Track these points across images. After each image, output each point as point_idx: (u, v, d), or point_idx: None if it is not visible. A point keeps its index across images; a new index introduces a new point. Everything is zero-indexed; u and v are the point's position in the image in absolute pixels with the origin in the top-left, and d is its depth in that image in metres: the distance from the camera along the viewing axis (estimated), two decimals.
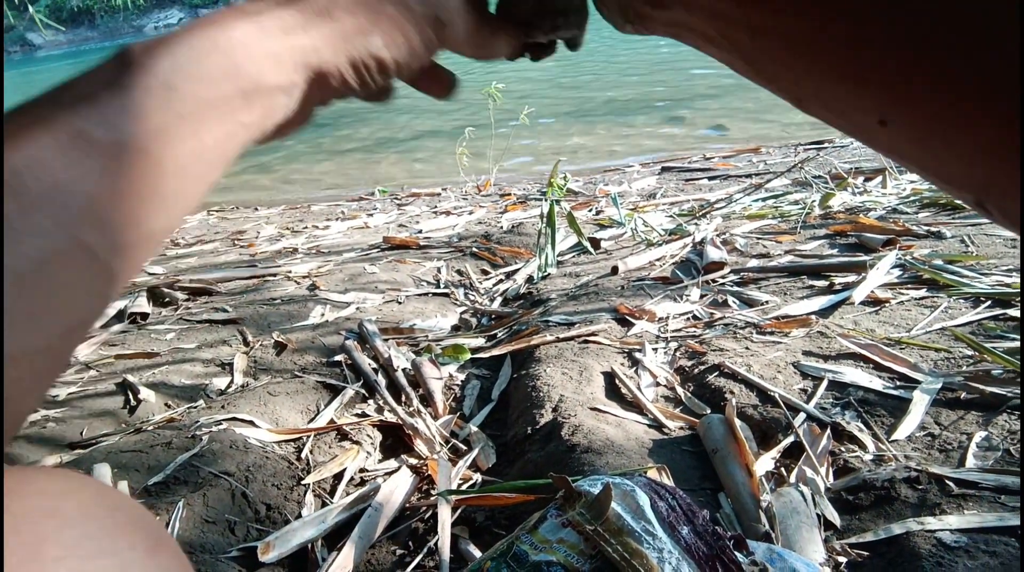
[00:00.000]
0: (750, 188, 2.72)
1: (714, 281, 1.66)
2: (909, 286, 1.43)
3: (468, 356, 1.47)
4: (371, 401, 1.31)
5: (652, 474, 0.90)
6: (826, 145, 3.69)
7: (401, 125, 6.45)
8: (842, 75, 0.28)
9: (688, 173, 3.53)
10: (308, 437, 1.16)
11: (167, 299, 1.95)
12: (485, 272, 2.19)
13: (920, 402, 1.01)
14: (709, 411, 1.11)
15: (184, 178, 0.30)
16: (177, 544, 0.29)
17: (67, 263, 0.26)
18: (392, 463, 1.13)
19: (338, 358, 1.45)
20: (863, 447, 0.96)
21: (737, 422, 1.00)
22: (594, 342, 1.39)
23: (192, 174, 0.31)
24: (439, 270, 2.15)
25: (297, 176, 5.40)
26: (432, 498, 1.00)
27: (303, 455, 1.12)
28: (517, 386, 1.31)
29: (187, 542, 0.89)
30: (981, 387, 1.01)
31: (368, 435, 1.19)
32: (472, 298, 1.93)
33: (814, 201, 2.25)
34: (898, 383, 1.08)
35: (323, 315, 1.73)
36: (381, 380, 1.35)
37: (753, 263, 1.74)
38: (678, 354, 1.32)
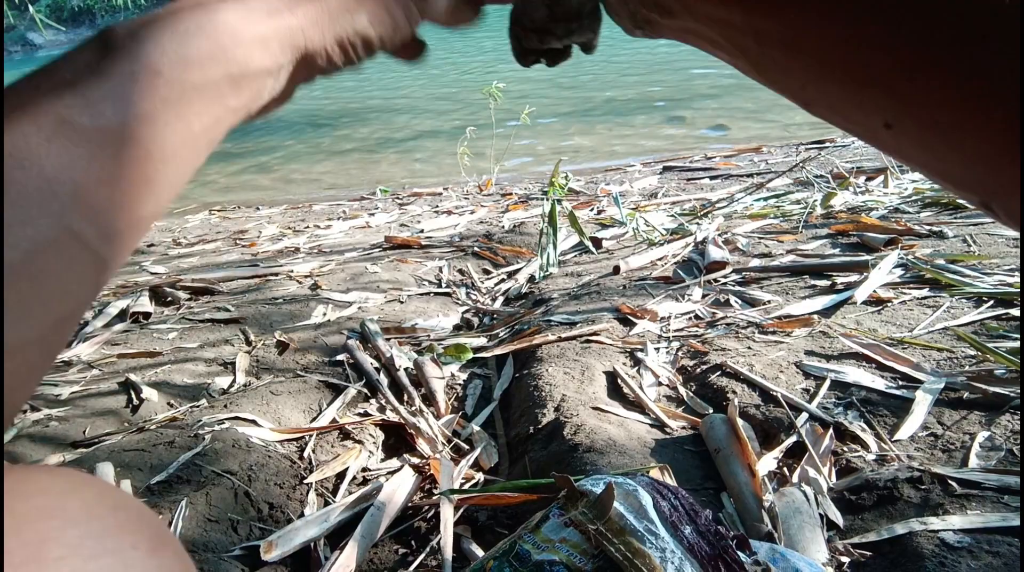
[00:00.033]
0: (752, 187, 2.71)
1: (716, 281, 1.66)
2: (911, 286, 1.43)
3: (470, 355, 1.46)
4: (373, 400, 1.31)
5: (654, 474, 0.90)
6: (827, 144, 3.68)
7: (400, 125, 6.44)
8: (846, 79, 0.28)
9: (689, 172, 3.53)
10: (310, 436, 1.16)
11: (169, 298, 1.96)
12: (487, 271, 2.19)
13: (923, 402, 1.01)
14: (711, 411, 1.11)
15: (172, 164, 0.30)
16: (179, 543, 0.28)
17: (57, 252, 0.25)
18: (394, 462, 1.13)
19: (340, 357, 1.45)
20: (866, 447, 0.96)
21: (739, 422, 1.00)
22: (596, 342, 1.39)
23: (180, 159, 0.30)
24: (441, 269, 2.15)
25: (297, 176, 5.39)
26: (434, 497, 1.00)
27: (305, 454, 1.12)
28: (519, 386, 1.31)
29: (190, 541, 0.89)
30: (984, 387, 1.01)
31: (370, 434, 1.19)
32: (474, 297, 1.93)
33: (816, 200, 2.24)
34: (900, 383, 1.08)
35: (325, 314, 1.73)
36: (383, 379, 1.35)
37: (755, 263, 1.73)
38: (680, 354, 1.32)
